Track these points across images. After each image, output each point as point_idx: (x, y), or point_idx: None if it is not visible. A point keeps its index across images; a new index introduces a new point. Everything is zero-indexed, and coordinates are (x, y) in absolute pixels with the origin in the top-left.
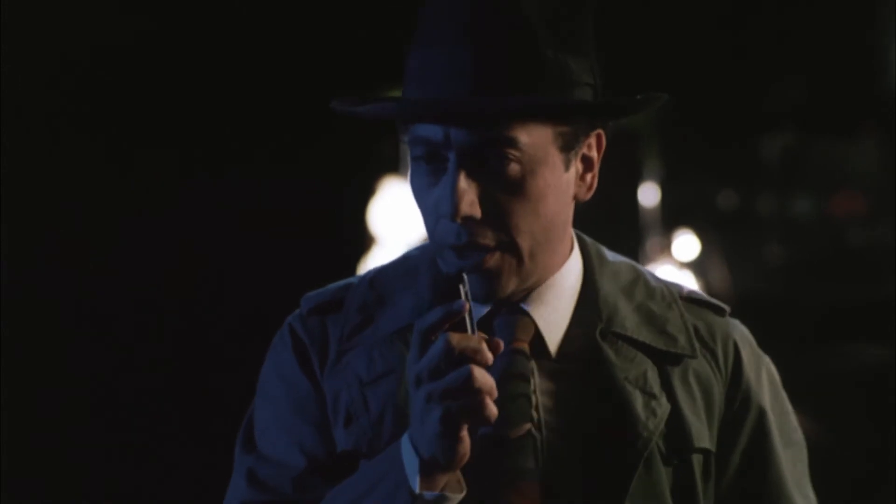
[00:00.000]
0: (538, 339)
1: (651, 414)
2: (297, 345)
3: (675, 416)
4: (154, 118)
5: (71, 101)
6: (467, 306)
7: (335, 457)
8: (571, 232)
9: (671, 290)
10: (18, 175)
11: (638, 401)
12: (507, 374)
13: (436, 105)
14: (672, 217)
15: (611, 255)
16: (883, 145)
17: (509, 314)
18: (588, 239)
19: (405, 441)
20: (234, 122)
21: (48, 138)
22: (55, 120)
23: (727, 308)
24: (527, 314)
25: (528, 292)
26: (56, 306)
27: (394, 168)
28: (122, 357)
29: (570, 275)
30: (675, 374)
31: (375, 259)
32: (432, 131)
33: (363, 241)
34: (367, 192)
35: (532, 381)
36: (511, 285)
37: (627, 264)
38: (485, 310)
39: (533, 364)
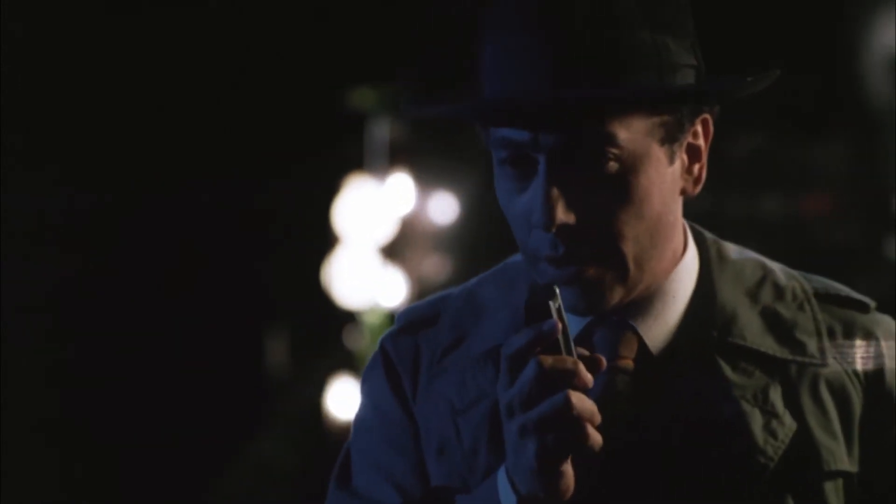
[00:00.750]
0: (644, 355)
1: (771, 436)
2: (388, 366)
3: (803, 437)
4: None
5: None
6: (560, 326)
7: (430, 492)
8: (684, 229)
9: (805, 287)
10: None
11: (756, 421)
12: (608, 395)
13: (517, 104)
14: None
15: (735, 252)
16: (852, 145)
17: (611, 328)
18: (708, 235)
19: (501, 476)
20: (194, 122)
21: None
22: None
23: (871, 303)
24: (631, 327)
25: (633, 302)
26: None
27: (358, 166)
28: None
29: (682, 279)
30: (804, 387)
31: (340, 259)
32: (518, 132)
33: (327, 240)
34: (331, 190)
35: (637, 402)
36: (616, 297)
37: (754, 261)
38: (583, 323)
39: (637, 383)
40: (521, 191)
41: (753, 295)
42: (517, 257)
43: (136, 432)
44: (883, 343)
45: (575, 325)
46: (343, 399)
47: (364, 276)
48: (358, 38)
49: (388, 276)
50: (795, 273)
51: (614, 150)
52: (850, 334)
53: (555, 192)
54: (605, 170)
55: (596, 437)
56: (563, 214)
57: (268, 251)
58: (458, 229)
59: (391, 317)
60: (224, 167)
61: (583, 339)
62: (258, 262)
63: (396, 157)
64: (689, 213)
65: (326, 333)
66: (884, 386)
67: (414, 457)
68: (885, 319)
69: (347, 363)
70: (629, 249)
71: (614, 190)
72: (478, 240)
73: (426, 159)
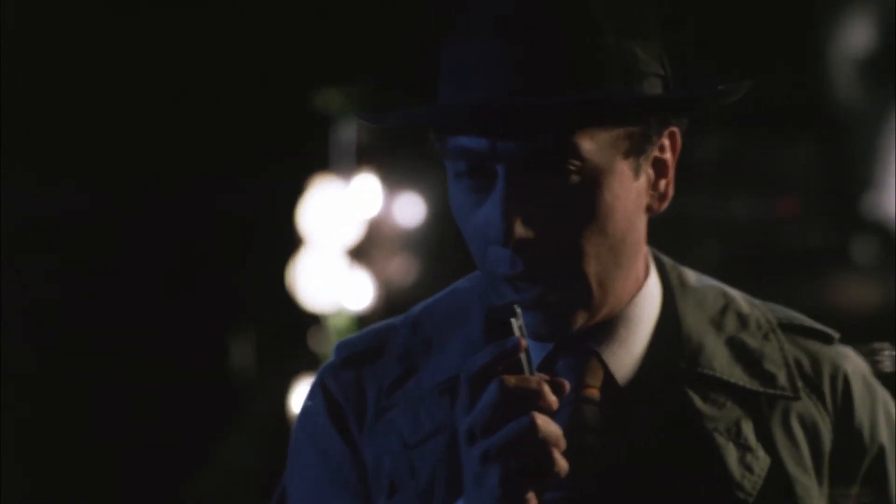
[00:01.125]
0: (609, 384)
1: (747, 471)
2: (329, 403)
3: (776, 472)
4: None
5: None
6: (523, 343)
7: None
8: (646, 251)
9: (768, 316)
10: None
11: (731, 455)
12: (574, 426)
13: (474, 111)
14: None
15: (694, 278)
16: (821, 148)
17: (574, 355)
18: (667, 260)
19: None
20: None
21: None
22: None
23: (835, 335)
24: (595, 354)
25: (596, 327)
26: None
27: (324, 166)
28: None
29: (647, 304)
30: (775, 420)
31: (305, 261)
32: (475, 141)
33: (292, 243)
34: (296, 191)
35: (604, 433)
36: (579, 320)
37: (715, 289)
38: (546, 350)
39: (604, 413)
40: (478, 204)
41: (718, 323)
42: (465, 282)
43: (102, 435)
44: (851, 379)
45: (537, 352)
46: None
47: (330, 279)
48: (325, 39)
49: (354, 279)
50: (757, 302)
51: (577, 162)
52: (817, 367)
53: (513, 204)
54: (566, 182)
55: (562, 463)
56: (521, 229)
57: (232, 253)
58: (426, 231)
59: (358, 320)
60: (188, 168)
61: (545, 366)
62: (223, 264)
63: (363, 157)
64: (657, 217)
65: (292, 336)
66: (853, 421)
67: (362, 495)
68: (850, 353)
69: (313, 366)
70: (591, 269)
71: (576, 204)
72: (446, 242)
73: (393, 160)
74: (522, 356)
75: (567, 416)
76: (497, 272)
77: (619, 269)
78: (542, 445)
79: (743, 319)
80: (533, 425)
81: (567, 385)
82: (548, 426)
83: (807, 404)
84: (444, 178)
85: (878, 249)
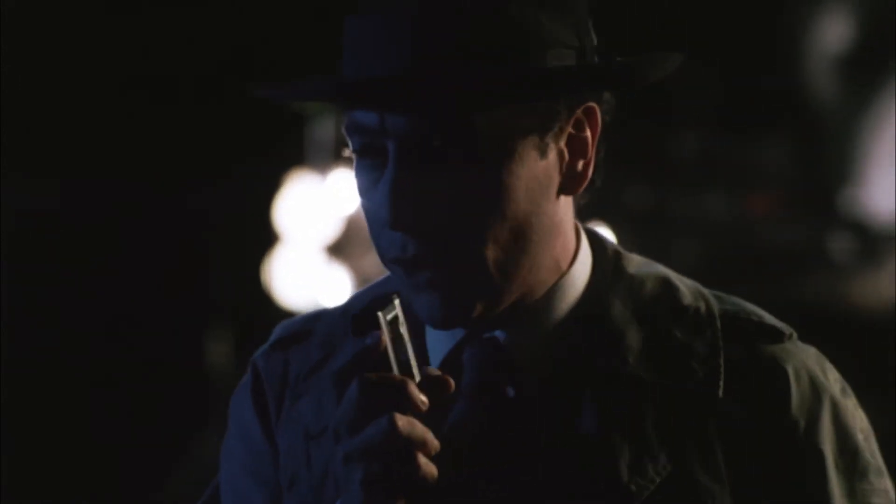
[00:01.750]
0: (513, 378)
1: (638, 474)
2: (256, 386)
3: (681, 477)
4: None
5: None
6: (384, 339)
7: None
8: (578, 237)
9: (712, 308)
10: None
11: (624, 457)
12: (468, 422)
13: (351, 84)
14: (583, 213)
15: (635, 266)
16: (796, 145)
17: (480, 347)
18: (609, 245)
19: None
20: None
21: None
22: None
23: (787, 331)
24: (500, 344)
25: (506, 317)
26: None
27: (299, 161)
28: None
29: (565, 293)
30: (687, 420)
31: (282, 257)
32: (365, 116)
33: (267, 238)
34: (271, 186)
35: (496, 431)
36: (477, 308)
37: (657, 277)
38: (453, 341)
39: (501, 410)
40: (374, 184)
41: (645, 314)
42: None
43: (80, 434)
44: (791, 376)
45: (445, 342)
46: None
47: (307, 275)
48: (299, 35)
49: (331, 275)
50: (707, 293)
51: (470, 139)
52: (753, 364)
53: (402, 185)
54: (460, 161)
55: (429, 469)
56: (411, 210)
57: (209, 250)
58: None
59: None
60: (163, 166)
61: (451, 358)
62: (200, 261)
63: (339, 153)
64: (634, 213)
65: (269, 332)
66: (783, 423)
67: (274, 488)
68: (801, 351)
69: None
70: (489, 254)
71: (472, 185)
72: None
73: None
74: (390, 352)
75: (462, 411)
76: (388, 256)
77: (525, 255)
78: (404, 449)
79: (678, 311)
80: (392, 427)
81: (451, 382)
82: (411, 428)
83: (730, 405)
84: None
85: (854, 246)
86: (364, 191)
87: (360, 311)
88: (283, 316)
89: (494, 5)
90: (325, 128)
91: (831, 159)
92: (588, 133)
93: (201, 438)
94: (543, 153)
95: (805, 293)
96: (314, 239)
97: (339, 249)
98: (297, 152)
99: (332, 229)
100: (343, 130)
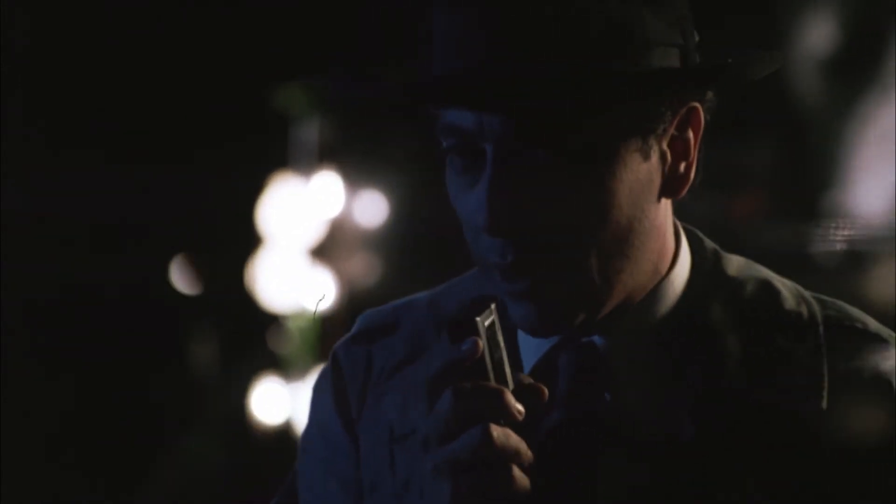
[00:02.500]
0: (611, 385)
1: (740, 494)
2: (336, 379)
3: (784, 493)
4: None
5: None
6: (481, 345)
7: None
8: (677, 237)
9: (815, 313)
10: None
11: (726, 477)
12: (565, 429)
13: (451, 83)
14: None
15: (737, 267)
16: (780, 146)
17: (576, 353)
18: (709, 245)
19: None
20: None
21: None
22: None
23: (892, 339)
24: (598, 350)
25: (604, 322)
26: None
27: (284, 163)
28: None
29: (666, 296)
30: (794, 432)
31: (265, 260)
32: (462, 117)
33: (251, 242)
34: (255, 188)
35: (597, 438)
36: (578, 315)
37: (759, 280)
38: (548, 345)
39: (599, 419)
40: (469, 186)
41: (747, 319)
42: None
43: (60, 434)
44: (894, 382)
45: (539, 346)
46: (269, 402)
47: (291, 279)
48: (286, 36)
49: (315, 279)
50: (808, 296)
51: (573, 141)
52: (859, 372)
53: (501, 189)
54: (562, 164)
55: (523, 482)
56: (511, 216)
57: (192, 252)
58: (389, 230)
59: (320, 320)
60: (147, 165)
61: (546, 363)
62: (182, 264)
63: (324, 155)
64: None
65: (252, 337)
66: (888, 440)
67: (351, 485)
68: None
69: (273, 366)
70: (593, 260)
71: (574, 189)
72: (409, 241)
73: (355, 158)
74: (487, 360)
75: (556, 419)
76: (489, 262)
77: (628, 260)
78: (498, 461)
79: (780, 315)
80: (486, 438)
81: (544, 391)
82: (506, 439)
83: (833, 413)
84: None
85: (838, 248)
86: (457, 193)
87: (458, 317)
88: (266, 319)
89: (598, 2)
90: (309, 130)
91: (816, 161)
92: (691, 134)
93: (183, 441)
94: (647, 155)
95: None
96: (298, 242)
97: (323, 252)
98: (282, 154)
99: (316, 232)
100: (438, 134)
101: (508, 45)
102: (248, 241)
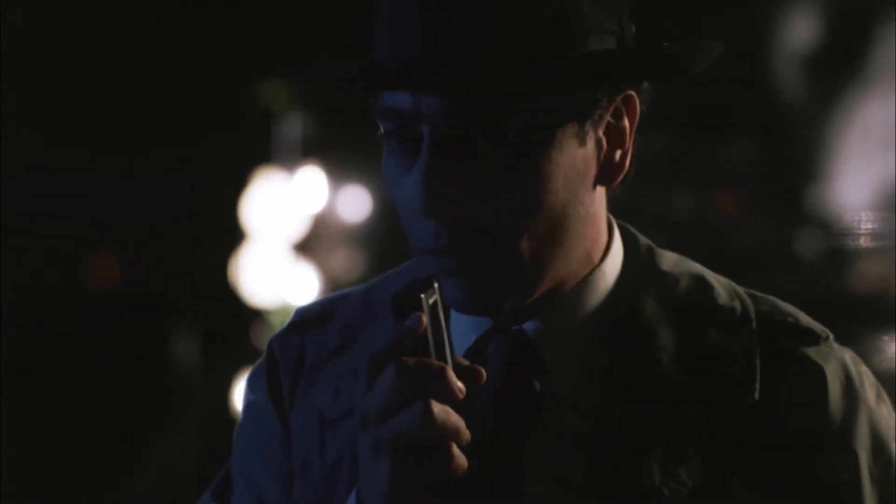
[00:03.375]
0: (539, 373)
1: (670, 478)
2: (271, 369)
3: (715, 481)
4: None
5: None
6: (424, 321)
7: None
8: (610, 229)
9: (748, 309)
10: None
11: (655, 460)
12: (493, 415)
13: (384, 65)
14: None
15: (669, 262)
16: (763, 142)
17: (507, 340)
18: (643, 241)
19: (352, 500)
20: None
21: None
22: None
23: (823, 334)
24: (528, 338)
25: (534, 309)
26: None
27: (266, 159)
28: None
29: (598, 286)
30: (722, 423)
31: (249, 255)
32: (401, 99)
33: (234, 236)
34: (238, 184)
35: (523, 427)
36: (508, 298)
37: (692, 275)
38: (478, 333)
39: (526, 406)
40: (405, 171)
41: (679, 314)
42: None
43: (41, 431)
44: (829, 377)
45: (469, 334)
46: None
47: (274, 274)
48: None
49: (298, 273)
50: (742, 292)
51: (507, 125)
52: (789, 366)
53: (437, 170)
54: (496, 148)
55: (461, 460)
56: (445, 199)
57: (175, 246)
58: (372, 225)
59: None
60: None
61: (477, 349)
62: (165, 259)
63: (307, 150)
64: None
65: (235, 331)
66: (820, 425)
67: (284, 474)
68: (838, 353)
69: (256, 361)
70: (525, 245)
71: (507, 173)
72: (392, 236)
73: (338, 153)
74: (430, 337)
75: (485, 404)
76: (422, 245)
77: (560, 247)
78: (438, 439)
79: (713, 310)
80: (427, 414)
81: (482, 373)
82: (446, 416)
83: (764, 406)
84: None
85: (821, 244)
86: (394, 177)
87: (401, 293)
88: (249, 314)
89: None
90: (292, 125)
91: (798, 157)
92: (626, 122)
93: (165, 436)
94: (582, 141)
95: (770, 291)
96: (281, 237)
97: (306, 248)
98: (264, 150)
99: (299, 227)
100: (375, 116)
101: (447, 30)
102: (232, 235)
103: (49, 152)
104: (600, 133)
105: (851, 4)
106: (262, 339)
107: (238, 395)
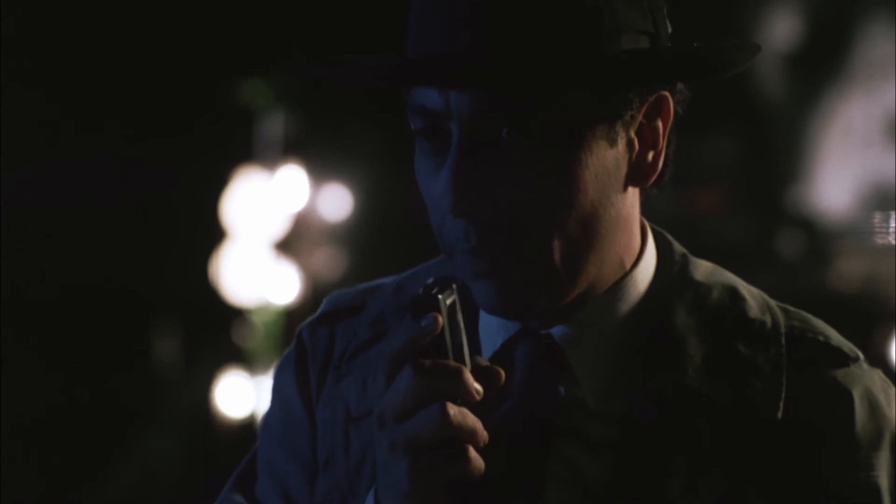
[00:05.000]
0: (566, 379)
1: (690, 491)
2: (300, 359)
3: (735, 497)
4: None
5: None
6: (441, 322)
7: None
8: (644, 235)
9: (779, 324)
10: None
11: (676, 471)
12: (517, 418)
13: (414, 62)
14: None
15: (703, 272)
16: (743, 141)
17: (534, 343)
18: (677, 248)
19: (370, 500)
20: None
21: None
22: None
23: (853, 355)
24: (556, 343)
25: (564, 313)
26: None
27: (248, 157)
28: None
29: (629, 293)
30: (746, 439)
31: (230, 254)
32: (430, 98)
33: (215, 235)
34: (219, 182)
35: (548, 431)
36: (539, 300)
37: (725, 286)
38: (506, 336)
39: (550, 411)
40: (436, 170)
41: (710, 325)
42: None
43: (23, 429)
44: (857, 400)
45: (498, 335)
46: (232, 396)
47: (255, 273)
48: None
49: (280, 272)
50: (774, 305)
51: (538, 125)
52: (817, 386)
53: (466, 169)
54: (525, 147)
55: (476, 463)
56: (476, 198)
57: (156, 245)
58: (353, 224)
59: (284, 314)
60: (112, 159)
61: (504, 351)
62: (147, 256)
63: (289, 149)
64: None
65: (216, 330)
66: (846, 449)
67: (309, 465)
68: (867, 376)
69: (237, 360)
70: (556, 245)
71: (539, 172)
72: (373, 235)
73: (319, 152)
74: (447, 338)
75: (508, 408)
76: (453, 246)
77: (592, 250)
78: (454, 440)
79: (744, 324)
80: (443, 415)
81: (501, 374)
82: (463, 418)
83: (789, 425)
84: (370, 171)
85: (801, 243)
86: (425, 176)
87: (420, 293)
88: (230, 313)
89: None
90: (273, 124)
91: (778, 156)
92: (660, 123)
93: (147, 434)
94: (613, 142)
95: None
96: (262, 235)
97: (287, 246)
98: (246, 148)
99: (280, 226)
100: (408, 116)
101: (478, 29)
102: (213, 234)
103: (30, 150)
104: (632, 134)
105: (831, 4)
106: (242, 339)
107: (219, 393)
